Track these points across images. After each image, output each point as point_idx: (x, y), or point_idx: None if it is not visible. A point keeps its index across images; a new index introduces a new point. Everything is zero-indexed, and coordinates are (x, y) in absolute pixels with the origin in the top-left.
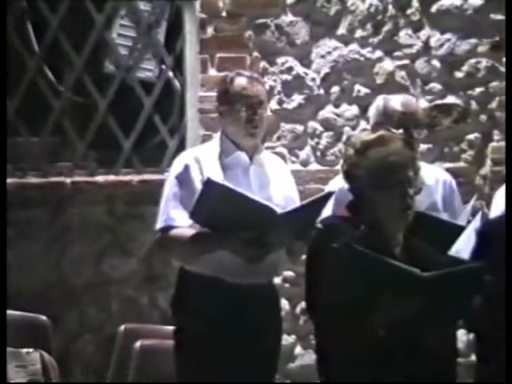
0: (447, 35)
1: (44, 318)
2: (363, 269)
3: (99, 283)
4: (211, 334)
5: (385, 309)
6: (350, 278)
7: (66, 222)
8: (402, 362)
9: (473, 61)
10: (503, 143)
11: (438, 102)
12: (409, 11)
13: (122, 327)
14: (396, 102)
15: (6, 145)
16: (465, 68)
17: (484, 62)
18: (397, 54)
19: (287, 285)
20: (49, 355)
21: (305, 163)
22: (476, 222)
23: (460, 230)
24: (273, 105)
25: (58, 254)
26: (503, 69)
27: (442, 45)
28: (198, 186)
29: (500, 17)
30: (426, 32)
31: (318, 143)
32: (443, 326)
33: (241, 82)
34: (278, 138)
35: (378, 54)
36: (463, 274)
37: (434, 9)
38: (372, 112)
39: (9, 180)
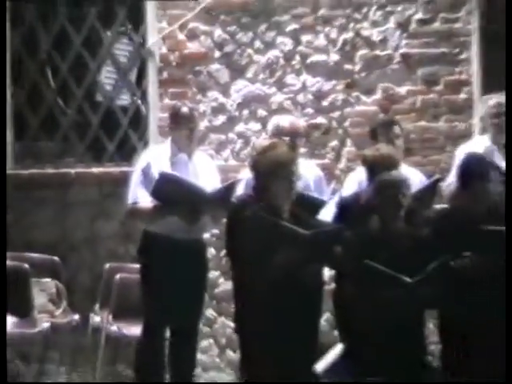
0: (317, 78)
1: (57, 258)
2: (264, 229)
3: (92, 238)
4: (162, 269)
5: (279, 257)
6: (256, 235)
7: (70, 198)
8: (294, 298)
9: (333, 95)
10: (353, 148)
11: (312, 121)
12: (293, 62)
13: (107, 265)
14: (285, 120)
15: (5, 145)
16: (328, 99)
17: (340, 96)
18: (285, 90)
19: (214, 238)
20: (60, 283)
21: (225, 160)
22: (335, 198)
23: (324, 202)
24: (205, 122)
25: (64, 219)
26: (353, 100)
27: (313, 84)
28: (155, 175)
29: (350, 66)
30: (304, 76)
31: (234, 147)
32: (319, 267)
33: (184, 110)
34: (209, 144)
35: (273, 89)
36: (331, 232)
37: (309, 61)
38: (269, 127)
39: (33, 170)
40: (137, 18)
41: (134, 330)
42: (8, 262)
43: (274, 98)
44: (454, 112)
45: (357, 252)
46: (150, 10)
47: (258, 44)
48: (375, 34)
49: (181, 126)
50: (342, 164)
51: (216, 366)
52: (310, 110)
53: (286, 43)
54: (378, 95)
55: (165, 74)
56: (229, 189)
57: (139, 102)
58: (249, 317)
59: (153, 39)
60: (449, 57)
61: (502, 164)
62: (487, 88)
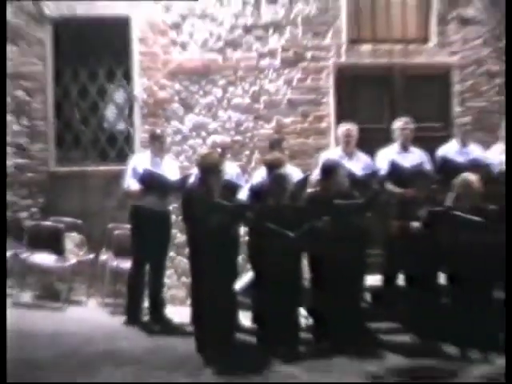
0: (237, 113)
1: (80, 221)
2: (204, 204)
3: (101, 209)
4: (143, 228)
5: (214, 221)
6: (199, 208)
7: (88, 185)
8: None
9: (246, 123)
10: (259, 155)
11: (234, 139)
12: (223, 103)
13: (110, 225)
14: (217, 138)
15: (5, 146)
16: (244, 126)
17: (251, 124)
18: (217, 120)
19: (175, 209)
20: (82, 236)
21: (181, 162)
22: (247, 185)
23: (240, 187)
24: (169, 139)
25: (85, 197)
26: (259, 126)
27: (235, 117)
28: (140, 170)
29: (257, 106)
30: (229, 112)
31: (187, 154)
32: (237, 226)
33: (157, 132)
34: (172, 152)
35: (210, 120)
36: (244, 205)
37: (232, 103)
38: (208, 142)
39: (66, 168)
40: (128, 77)
41: (126, 264)
42: (50, 223)
43: (210, 125)
44: (319, 134)
45: (261, 217)
46: (136, 71)
47: (201, 92)
48: (272, 87)
49: (155, 141)
50: (252, 165)
51: (175, 286)
52: (232, 132)
53: (218, 92)
54: (273, 123)
55: (145, 110)
56: (184, 179)
57: (129, 127)
58: (194, 255)
59: (138, 90)
60: (316, 101)
61: (348, 165)
62: (339, 120)
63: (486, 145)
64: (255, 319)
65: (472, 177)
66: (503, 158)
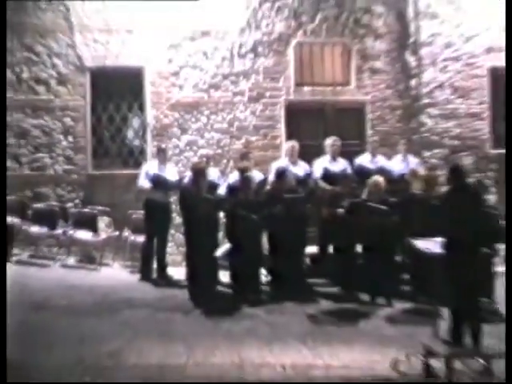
0: (218, 134)
1: (108, 208)
2: (195, 198)
3: (123, 201)
4: (152, 214)
5: (202, 209)
6: (191, 201)
7: (114, 184)
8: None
9: (224, 140)
10: (233, 163)
11: (216, 152)
12: (207, 127)
13: (129, 211)
14: (205, 152)
15: (5, 146)
16: (222, 142)
17: (228, 141)
18: (205, 139)
19: (174, 201)
20: (110, 218)
21: (179, 168)
22: (225, 184)
23: (219, 186)
24: (170, 152)
25: (111, 193)
26: (233, 143)
27: (217, 137)
28: (151, 174)
29: (232, 129)
30: (212, 133)
31: (183, 163)
32: (218, 212)
33: (162, 147)
34: (172, 161)
35: (199, 138)
36: (223, 199)
37: (214, 127)
38: (198, 155)
39: (99, 172)
40: (142, 108)
41: (140, 238)
42: (88, 210)
43: (199, 142)
44: (273, 148)
45: (234, 206)
46: (148, 105)
47: (192, 119)
48: (242, 116)
49: (160, 153)
50: (228, 170)
51: (174, 253)
52: (214, 147)
53: (204, 119)
54: (243, 141)
55: (154, 132)
56: (180, 180)
57: (143, 143)
58: (188, 232)
59: (149, 118)
60: (272, 125)
61: (293, 170)
62: (287, 139)
63: (389, 157)
64: (231, 276)
65: (379, 178)
66: (402, 166)
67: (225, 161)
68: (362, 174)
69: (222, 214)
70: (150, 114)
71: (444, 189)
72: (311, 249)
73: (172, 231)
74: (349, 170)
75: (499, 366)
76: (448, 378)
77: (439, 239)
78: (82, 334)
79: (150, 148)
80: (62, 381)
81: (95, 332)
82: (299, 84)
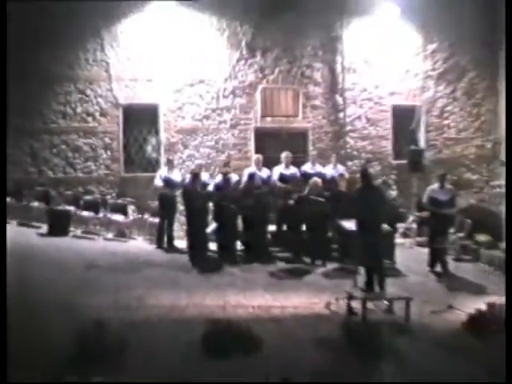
0: (209, 150)
1: (135, 200)
2: (194, 194)
3: (145, 195)
4: (164, 204)
5: (198, 202)
6: (191, 196)
7: (139, 183)
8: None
9: (213, 155)
10: (217, 169)
11: (207, 162)
12: (200, 149)
13: (149, 201)
14: (199, 162)
15: (5, 146)
16: (212, 155)
17: (215, 154)
18: (199, 154)
19: (179, 194)
20: (135, 207)
21: (183, 174)
22: (212, 183)
23: (209, 185)
24: (175, 161)
25: (137, 189)
26: (219, 156)
27: (208, 152)
28: (163, 176)
29: (219, 147)
30: (206, 149)
31: (186, 169)
32: (209, 202)
33: (170, 158)
34: (177, 168)
35: (197, 155)
36: (213, 193)
37: (205, 150)
38: (195, 164)
39: (130, 174)
40: (157, 132)
41: (156, 220)
42: (121, 201)
43: (196, 155)
44: (246, 159)
45: (219, 199)
46: (161, 129)
47: (191, 140)
48: (225, 137)
49: (169, 163)
50: (215, 174)
51: (178, 230)
52: (206, 159)
53: (199, 140)
54: (226, 154)
55: (165, 148)
56: (183, 181)
57: (158, 156)
58: (188, 216)
59: (162, 138)
60: (245, 143)
61: (260, 174)
62: (256, 153)
63: (324, 165)
64: (217, 246)
65: (317, 180)
66: (333, 171)
67: (213, 167)
68: (306, 177)
69: (211, 204)
70: (163, 135)
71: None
72: (271, 227)
73: (177, 215)
74: (297, 175)
75: (398, 306)
76: (363, 314)
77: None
78: (118, 284)
79: (163, 159)
80: (105, 315)
81: (126, 283)
82: (264, 115)
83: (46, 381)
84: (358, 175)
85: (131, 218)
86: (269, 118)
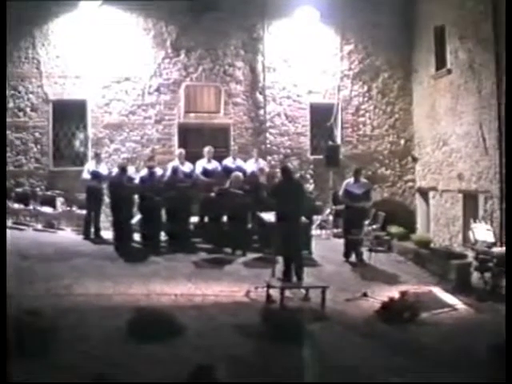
0: (137, 145)
1: (63, 192)
2: (120, 186)
3: (72, 188)
4: (91, 195)
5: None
6: (116, 188)
7: (67, 177)
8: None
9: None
10: None
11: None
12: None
13: (76, 194)
14: (125, 156)
15: (5, 145)
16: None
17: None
18: (122, 150)
19: (106, 187)
20: (64, 199)
21: (109, 166)
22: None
23: (135, 178)
24: (107, 154)
25: (65, 184)
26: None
27: (134, 147)
28: (91, 170)
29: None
30: (129, 144)
31: (114, 160)
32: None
33: (97, 151)
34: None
35: (123, 149)
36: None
37: (132, 139)
38: (121, 158)
39: (57, 168)
40: (85, 127)
41: (83, 212)
42: (50, 193)
43: (122, 149)
44: (170, 154)
45: (143, 191)
46: (89, 124)
47: (118, 135)
48: (149, 132)
49: (96, 157)
50: (140, 167)
51: (105, 221)
52: (131, 153)
53: (125, 135)
54: (150, 148)
55: (93, 143)
56: (110, 174)
57: (86, 150)
58: (113, 208)
59: (89, 133)
60: (169, 138)
61: (182, 168)
62: (179, 147)
63: (244, 160)
64: (142, 237)
65: (238, 174)
66: (253, 166)
67: (138, 161)
68: (227, 171)
69: (136, 197)
70: (90, 130)
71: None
72: (194, 219)
73: (103, 207)
74: (219, 169)
75: (314, 294)
76: (281, 302)
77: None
78: (48, 273)
79: (90, 153)
80: (38, 303)
81: (55, 272)
82: (187, 112)
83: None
84: (277, 170)
85: (60, 209)
86: (192, 114)
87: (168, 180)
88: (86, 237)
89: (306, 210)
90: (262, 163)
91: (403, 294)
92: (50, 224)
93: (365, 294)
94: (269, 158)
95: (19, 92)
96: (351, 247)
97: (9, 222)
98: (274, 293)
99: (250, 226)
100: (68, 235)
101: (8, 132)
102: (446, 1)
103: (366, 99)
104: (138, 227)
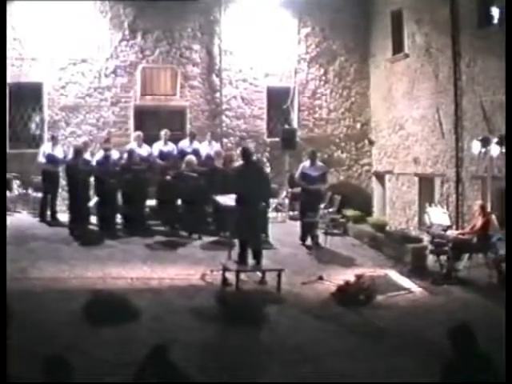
0: (93, 128)
1: (20, 175)
2: (79, 169)
3: (27, 171)
4: (48, 178)
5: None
6: (72, 171)
7: (23, 159)
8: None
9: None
10: None
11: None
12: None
13: (32, 176)
14: (84, 139)
15: (5, 145)
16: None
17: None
18: (79, 133)
19: (62, 170)
20: (21, 182)
21: (65, 149)
22: None
23: (92, 161)
24: (63, 136)
25: (21, 166)
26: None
27: (90, 130)
28: (47, 153)
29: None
30: (85, 127)
31: (69, 144)
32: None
33: (53, 134)
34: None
35: (79, 133)
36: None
37: (88, 122)
38: (79, 141)
39: (12, 151)
40: (42, 109)
41: (38, 195)
42: (7, 176)
43: (78, 132)
44: (126, 136)
45: (99, 173)
46: (45, 106)
47: (74, 117)
48: (106, 115)
49: (52, 139)
50: (96, 150)
51: (61, 205)
52: (88, 135)
53: (81, 117)
54: (106, 131)
55: (49, 125)
56: (66, 157)
57: (42, 133)
58: (70, 191)
59: (46, 115)
60: (125, 121)
61: (139, 151)
62: (135, 130)
63: (200, 142)
64: (98, 219)
65: (192, 157)
66: (208, 148)
67: (94, 144)
68: (183, 153)
69: (92, 179)
70: (47, 113)
71: (236, 163)
72: (150, 202)
73: (60, 190)
74: (174, 152)
75: (270, 277)
76: (236, 285)
77: (233, 196)
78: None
79: (46, 135)
80: None
81: (11, 255)
82: (143, 94)
83: None
84: (233, 152)
85: (16, 192)
86: (148, 97)
87: (124, 163)
88: (42, 219)
89: (267, 195)
90: (217, 146)
91: (359, 277)
92: (7, 207)
93: (320, 278)
94: (225, 140)
95: None
96: (307, 230)
97: None
98: (230, 276)
99: (206, 209)
100: (24, 218)
101: None
102: None
103: (322, 83)
104: (94, 210)
